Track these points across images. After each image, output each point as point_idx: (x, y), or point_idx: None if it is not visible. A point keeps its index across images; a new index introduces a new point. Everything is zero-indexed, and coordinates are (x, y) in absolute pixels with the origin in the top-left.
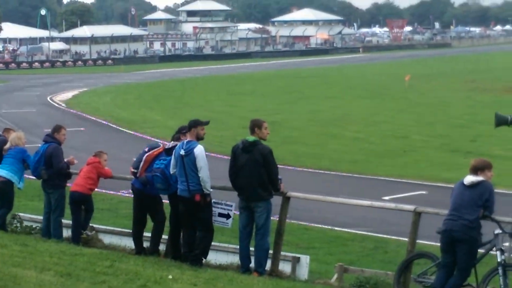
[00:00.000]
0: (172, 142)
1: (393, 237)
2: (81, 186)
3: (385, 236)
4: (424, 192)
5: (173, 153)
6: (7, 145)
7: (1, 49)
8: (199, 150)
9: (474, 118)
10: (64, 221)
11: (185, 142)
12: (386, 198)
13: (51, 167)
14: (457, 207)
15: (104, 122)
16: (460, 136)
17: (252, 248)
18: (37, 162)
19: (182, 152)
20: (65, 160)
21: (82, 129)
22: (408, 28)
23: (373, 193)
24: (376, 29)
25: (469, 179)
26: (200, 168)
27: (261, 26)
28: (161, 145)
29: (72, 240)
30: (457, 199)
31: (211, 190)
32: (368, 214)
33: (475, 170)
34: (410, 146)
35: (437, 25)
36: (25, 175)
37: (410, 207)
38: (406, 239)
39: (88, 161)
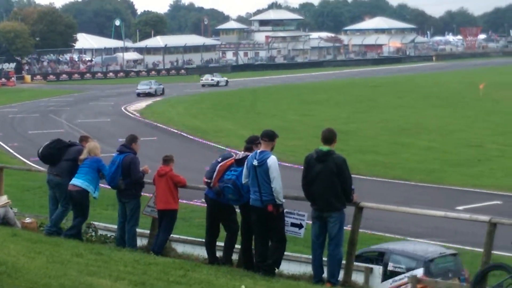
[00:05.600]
0: (243, 152)
1: (468, 247)
2: (167, 203)
3: (459, 246)
4: (499, 202)
5: (246, 163)
6: (83, 155)
7: (77, 60)
8: (272, 160)
9: None
10: (138, 230)
11: (258, 152)
12: (460, 208)
13: (128, 177)
14: None
15: (177, 131)
16: None
17: (325, 258)
18: (114, 172)
19: (255, 162)
20: (140, 169)
21: (154, 138)
22: (482, 36)
23: (447, 203)
24: (450, 37)
25: None
26: (273, 179)
27: (333, 35)
28: (234, 155)
29: (156, 249)
30: None
31: (284, 200)
32: (441, 225)
33: None
34: (485, 155)
35: None
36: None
37: (485, 217)
38: (481, 250)
39: (160, 171)
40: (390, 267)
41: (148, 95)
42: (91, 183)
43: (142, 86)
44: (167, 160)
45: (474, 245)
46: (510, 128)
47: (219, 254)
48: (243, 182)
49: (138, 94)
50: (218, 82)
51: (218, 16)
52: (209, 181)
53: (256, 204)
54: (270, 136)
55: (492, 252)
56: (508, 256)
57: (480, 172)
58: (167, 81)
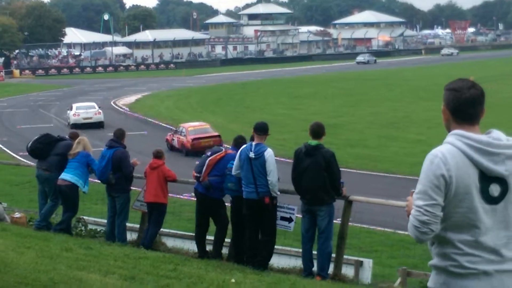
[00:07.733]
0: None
1: None
2: (157, 196)
3: None
4: None
5: (239, 155)
6: (77, 149)
7: (66, 54)
8: (269, 153)
9: None
10: (128, 224)
11: (253, 144)
12: None
13: (118, 172)
14: None
15: (166, 125)
16: None
17: (314, 252)
18: (104, 167)
19: (252, 154)
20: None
21: (144, 132)
22: (471, 29)
23: None
24: (439, 31)
25: None
26: (270, 172)
27: (322, 28)
28: (223, 149)
29: (146, 244)
30: None
31: (279, 193)
32: None
33: None
34: None
35: (500, 26)
36: (89, 179)
37: None
38: None
39: (152, 164)
40: None
41: (363, 63)
42: (80, 178)
43: (359, 58)
44: (159, 156)
45: None
46: (497, 121)
47: (209, 248)
48: (234, 173)
49: (358, 63)
50: None
51: (207, 10)
52: (198, 175)
53: (252, 197)
54: (264, 130)
55: None
56: None
57: None
58: (156, 75)
